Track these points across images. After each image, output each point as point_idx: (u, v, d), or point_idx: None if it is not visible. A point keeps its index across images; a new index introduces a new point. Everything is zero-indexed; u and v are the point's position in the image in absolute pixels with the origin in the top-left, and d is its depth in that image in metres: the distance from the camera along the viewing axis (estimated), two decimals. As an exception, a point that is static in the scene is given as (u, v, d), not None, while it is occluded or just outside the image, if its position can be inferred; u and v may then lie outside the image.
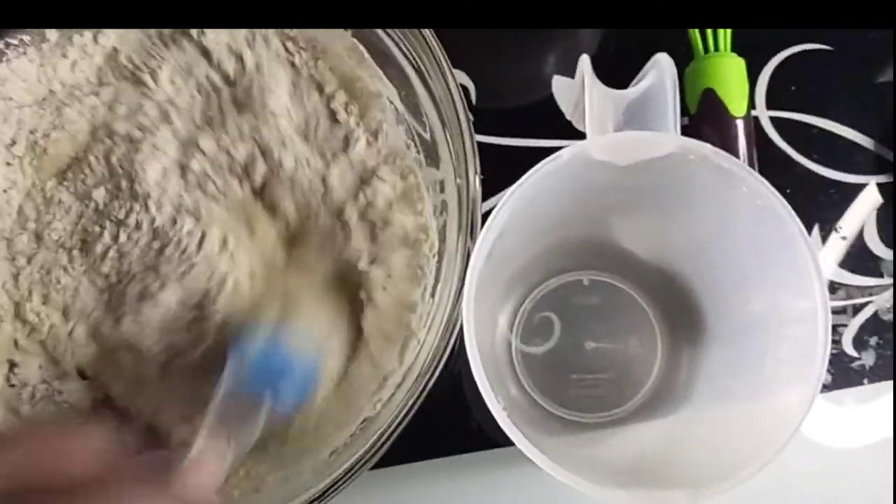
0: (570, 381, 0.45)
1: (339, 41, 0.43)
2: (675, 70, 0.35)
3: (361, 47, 0.42)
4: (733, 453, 0.35)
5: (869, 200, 0.49)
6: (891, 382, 0.47)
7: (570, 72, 0.50)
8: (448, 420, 0.46)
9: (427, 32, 0.38)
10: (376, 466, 0.36)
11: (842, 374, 0.47)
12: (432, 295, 0.40)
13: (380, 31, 0.41)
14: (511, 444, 0.32)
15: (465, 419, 0.46)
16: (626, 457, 0.42)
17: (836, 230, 0.49)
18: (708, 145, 0.33)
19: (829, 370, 0.47)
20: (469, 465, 0.46)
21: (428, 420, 0.36)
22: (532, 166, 0.34)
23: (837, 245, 0.49)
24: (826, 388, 0.47)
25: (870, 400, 0.47)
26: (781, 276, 0.35)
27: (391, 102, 0.43)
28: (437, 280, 0.40)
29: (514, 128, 0.49)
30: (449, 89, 0.38)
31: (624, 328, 0.45)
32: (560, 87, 0.50)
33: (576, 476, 0.31)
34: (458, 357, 0.42)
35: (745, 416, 0.37)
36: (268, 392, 0.35)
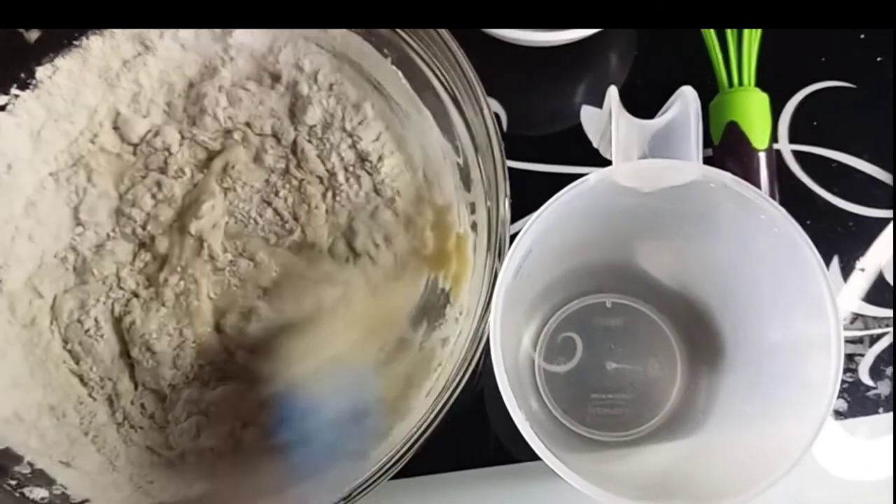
0: (590, 401, 0.46)
1: (381, 66, 0.45)
2: (698, 102, 0.37)
3: (400, 73, 0.45)
4: (746, 474, 0.36)
5: (891, 239, 0.50)
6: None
7: (597, 102, 0.51)
8: (469, 436, 0.47)
9: (462, 60, 0.40)
10: (397, 476, 0.37)
11: (857, 402, 0.48)
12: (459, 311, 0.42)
13: (418, 60, 0.43)
14: (529, 459, 0.33)
15: (486, 435, 0.48)
16: (642, 475, 0.43)
17: (856, 263, 0.50)
18: (728, 174, 0.35)
19: (845, 398, 0.48)
20: (487, 478, 0.47)
21: (450, 435, 0.37)
22: (560, 191, 0.36)
23: (857, 278, 0.50)
24: (842, 415, 0.48)
25: (884, 433, 0.48)
26: (797, 303, 0.37)
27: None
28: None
29: (544, 154, 0.51)
30: (483, 116, 0.40)
31: (645, 350, 0.47)
32: (588, 116, 0.51)
33: (593, 486, 0.33)
34: (481, 374, 0.44)
35: (759, 440, 0.38)
36: None
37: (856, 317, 0.49)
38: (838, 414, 0.48)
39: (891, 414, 0.48)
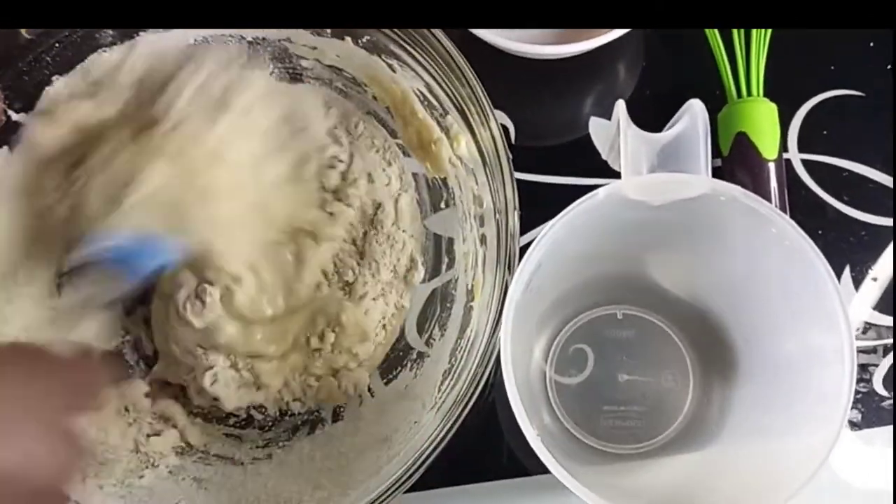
0: (602, 413, 0.46)
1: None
2: (707, 116, 0.37)
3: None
4: (761, 487, 0.36)
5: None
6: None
7: (606, 113, 0.52)
8: (482, 447, 0.47)
9: (468, 73, 0.40)
10: (409, 489, 0.37)
11: (872, 412, 0.48)
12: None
13: (425, 74, 0.43)
14: (543, 471, 0.33)
15: (499, 447, 0.47)
16: (655, 488, 0.43)
17: (868, 272, 0.50)
18: (738, 187, 0.35)
19: (859, 409, 0.48)
20: (501, 491, 0.47)
21: (462, 447, 0.37)
22: (568, 203, 0.36)
23: (870, 287, 0.50)
24: (857, 426, 0.47)
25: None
26: (810, 315, 0.37)
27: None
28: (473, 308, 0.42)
29: (552, 166, 0.51)
30: (490, 128, 0.40)
31: (657, 362, 0.46)
32: (596, 128, 0.51)
33: (606, 502, 0.33)
34: (493, 386, 0.44)
35: (773, 452, 0.38)
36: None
37: (868, 326, 0.49)
38: (853, 425, 0.47)
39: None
